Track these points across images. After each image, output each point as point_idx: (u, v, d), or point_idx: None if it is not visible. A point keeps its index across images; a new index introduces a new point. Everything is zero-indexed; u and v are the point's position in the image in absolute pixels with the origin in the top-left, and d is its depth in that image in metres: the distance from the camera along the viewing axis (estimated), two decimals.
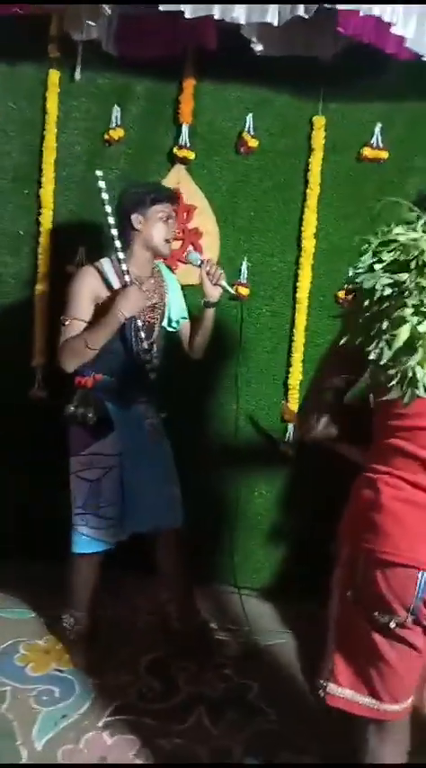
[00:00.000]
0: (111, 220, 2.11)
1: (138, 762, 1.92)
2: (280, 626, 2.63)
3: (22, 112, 2.71)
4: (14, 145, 2.73)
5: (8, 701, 2.12)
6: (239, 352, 2.46)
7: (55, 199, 2.73)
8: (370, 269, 1.22)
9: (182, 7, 2.08)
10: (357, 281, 1.23)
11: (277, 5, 2.04)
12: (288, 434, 2.72)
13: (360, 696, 1.37)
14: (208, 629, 2.51)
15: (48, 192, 2.72)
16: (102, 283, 2.14)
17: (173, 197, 2.23)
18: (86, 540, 2.23)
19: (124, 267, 2.10)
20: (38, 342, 2.77)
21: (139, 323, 2.17)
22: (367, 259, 1.24)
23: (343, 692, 1.38)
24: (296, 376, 2.68)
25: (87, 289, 2.13)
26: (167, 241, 2.20)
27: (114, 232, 2.12)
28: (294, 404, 2.69)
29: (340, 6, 1.97)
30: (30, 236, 2.77)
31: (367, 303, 1.21)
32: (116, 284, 2.12)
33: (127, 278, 2.09)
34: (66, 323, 2.12)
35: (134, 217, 2.15)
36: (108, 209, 2.11)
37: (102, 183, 2.10)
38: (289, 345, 2.69)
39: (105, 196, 2.11)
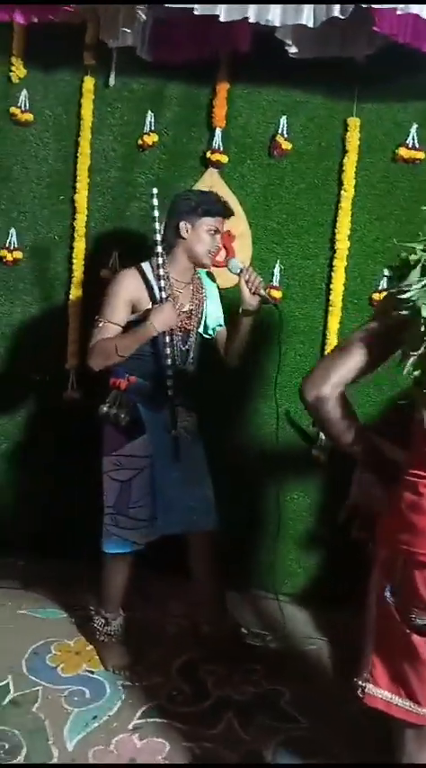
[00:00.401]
0: (158, 237, 2.13)
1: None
2: (313, 632, 2.60)
3: (57, 119, 2.76)
4: (50, 151, 2.78)
5: (40, 700, 2.13)
6: (277, 357, 2.44)
7: (89, 204, 2.77)
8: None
9: (217, 10, 2.08)
10: (411, 300, 1.20)
11: (312, 6, 2.03)
12: (320, 439, 2.68)
13: (398, 698, 1.35)
14: (239, 634, 2.49)
15: (82, 197, 2.75)
16: (143, 286, 2.14)
17: (225, 212, 2.21)
18: (116, 541, 2.24)
19: (161, 272, 2.11)
20: (71, 344, 2.80)
21: (176, 329, 2.17)
22: (416, 276, 1.21)
23: (382, 692, 1.37)
24: None
25: (125, 292, 2.14)
26: (209, 252, 2.20)
27: (158, 237, 2.13)
28: None
29: (376, 6, 1.95)
30: (64, 240, 2.81)
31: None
32: (156, 288, 2.13)
33: (163, 294, 2.11)
34: (100, 324, 2.13)
35: (182, 224, 2.16)
36: (157, 226, 2.13)
37: (155, 201, 2.11)
38: (322, 349, 2.66)
39: (156, 213, 2.12)
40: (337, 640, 2.53)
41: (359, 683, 1.39)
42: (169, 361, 2.16)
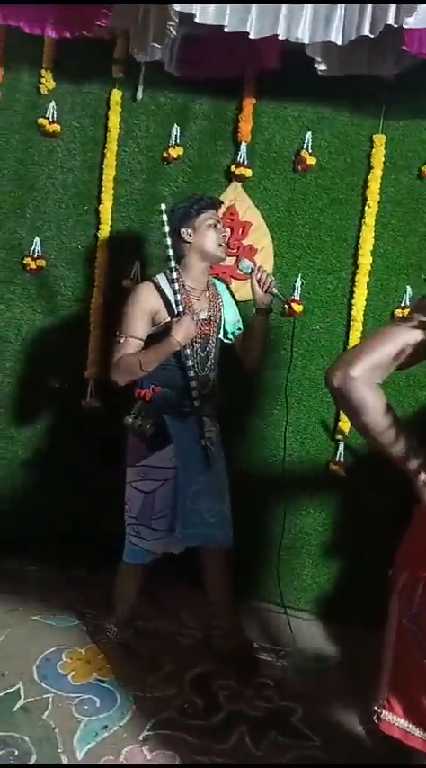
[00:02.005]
0: (170, 251, 2.17)
1: None
2: (326, 647, 2.57)
3: (84, 130, 2.80)
4: (76, 161, 2.82)
5: (50, 708, 2.12)
6: (289, 369, 2.44)
7: (113, 214, 2.80)
8: None
9: (247, 27, 2.11)
10: None
11: (341, 24, 2.04)
12: (338, 454, 2.67)
13: (415, 728, 1.31)
14: (252, 648, 2.47)
15: (107, 207, 2.79)
16: (160, 298, 2.16)
17: (215, 203, 2.28)
18: (139, 551, 2.24)
19: (176, 285, 2.14)
20: (91, 353, 2.82)
21: (196, 337, 2.18)
22: None
23: (398, 720, 1.33)
24: None
25: (144, 305, 2.15)
26: (220, 245, 2.23)
27: (170, 252, 2.17)
28: (346, 424, 2.65)
29: (407, 25, 1.96)
30: (87, 250, 2.84)
31: None
32: (172, 298, 2.15)
33: (180, 307, 2.13)
34: (121, 339, 2.14)
35: (183, 230, 2.19)
36: (168, 241, 2.17)
37: (164, 217, 2.16)
38: None
39: (166, 229, 2.16)
40: (350, 656, 2.50)
41: (375, 708, 1.36)
42: (192, 372, 2.17)
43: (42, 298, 2.88)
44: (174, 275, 2.15)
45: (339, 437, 2.67)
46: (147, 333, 2.16)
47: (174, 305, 2.14)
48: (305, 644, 2.55)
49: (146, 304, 2.15)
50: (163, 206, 2.18)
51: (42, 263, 2.84)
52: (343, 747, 2.03)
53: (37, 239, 2.84)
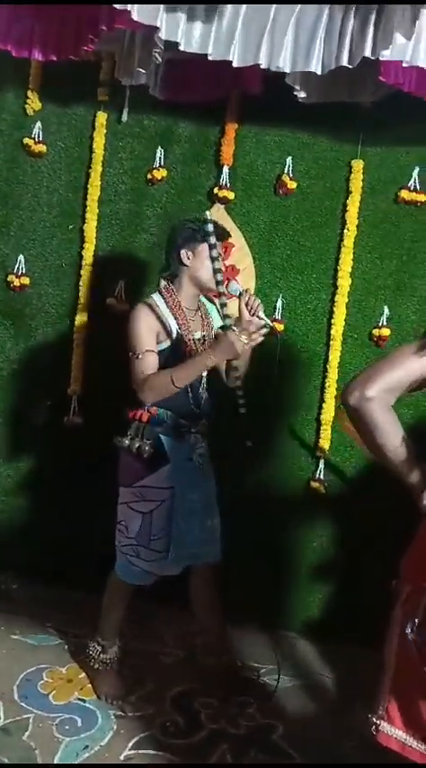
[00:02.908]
0: (219, 275, 2.11)
1: None
2: (310, 665, 2.58)
3: (69, 151, 2.84)
4: (61, 182, 2.85)
5: (31, 728, 2.10)
6: (274, 387, 2.47)
7: (97, 234, 2.83)
8: None
9: (230, 56, 2.17)
10: None
11: (321, 54, 2.11)
12: (319, 470, 2.71)
13: (413, 740, 1.31)
14: (236, 667, 2.47)
15: (91, 227, 2.82)
16: (156, 318, 2.16)
17: (223, 235, 2.26)
18: (139, 572, 2.21)
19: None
20: (74, 370, 2.83)
21: (193, 356, 2.18)
22: None
23: (396, 732, 1.33)
24: (329, 412, 2.68)
25: (148, 321, 2.15)
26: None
27: (219, 277, 2.13)
28: (326, 441, 2.69)
29: (383, 57, 2.03)
30: (71, 268, 2.86)
31: None
32: (170, 318, 2.17)
33: (227, 320, 2.11)
34: (140, 356, 2.12)
35: (183, 252, 2.20)
36: (217, 265, 2.12)
37: (209, 227, 2.07)
38: (323, 382, 2.70)
39: (213, 240, 2.09)
40: (333, 674, 2.52)
41: (373, 719, 1.36)
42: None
43: (26, 315, 2.89)
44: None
45: (319, 454, 2.71)
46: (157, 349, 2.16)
47: (173, 322, 2.15)
48: (287, 662, 2.56)
49: (149, 321, 2.15)
50: (208, 214, 2.09)
51: (26, 280, 2.86)
52: (324, 765, 2.04)
53: (21, 257, 2.86)
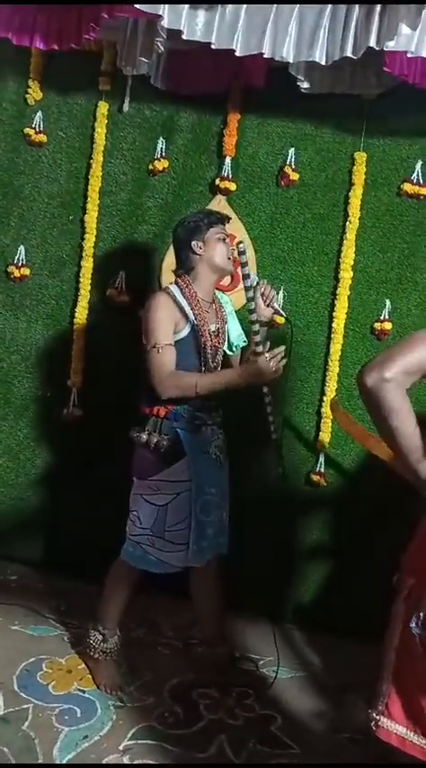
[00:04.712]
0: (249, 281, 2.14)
1: None
2: (307, 656, 2.59)
3: (70, 141, 2.83)
4: (62, 172, 2.84)
5: (30, 718, 2.10)
6: (284, 377, 2.44)
7: (98, 225, 2.82)
8: None
9: (233, 45, 2.15)
10: None
11: (325, 44, 2.10)
12: (319, 464, 2.71)
13: (414, 735, 1.31)
14: (235, 658, 2.48)
15: (92, 218, 2.81)
16: (176, 308, 2.16)
17: (224, 219, 2.30)
18: (153, 560, 2.20)
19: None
20: (74, 362, 2.83)
21: (208, 348, 2.20)
22: None
23: (396, 727, 1.33)
24: (329, 405, 2.68)
25: (168, 311, 2.14)
26: (229, 258, 2.26)
27: (248, 283, 2.14)
28: (326, 434, 2.69)
29: (388, 48, 2.02)
30: (72, 259, 2.85)
31: None
32: (187, 308, 2.17)
33: (260, 348, 2.10)
34: (159, 350, 2.10)
35: (194, 243, 2.21)
36: (247, 270, 2.12)
37: (243, 248, 2.11)
38: (324, 375, 2.70)
39: (248, 254, 2.18)
40: (331, 666, 2.53)
41: (373, 714, 1.35)
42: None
43: (26, 306, 2.88)
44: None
45: (319, 447, 2.71)
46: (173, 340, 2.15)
47: (190, 312, 2.16)
48: (286, 653, 2.57)
49: (169, 311, 2.14)
50: (241, 245, 2.11)
51: (27, 271, 2.85)
52: (322, 756, 2.04)
53: (22, 248, 2.85)
